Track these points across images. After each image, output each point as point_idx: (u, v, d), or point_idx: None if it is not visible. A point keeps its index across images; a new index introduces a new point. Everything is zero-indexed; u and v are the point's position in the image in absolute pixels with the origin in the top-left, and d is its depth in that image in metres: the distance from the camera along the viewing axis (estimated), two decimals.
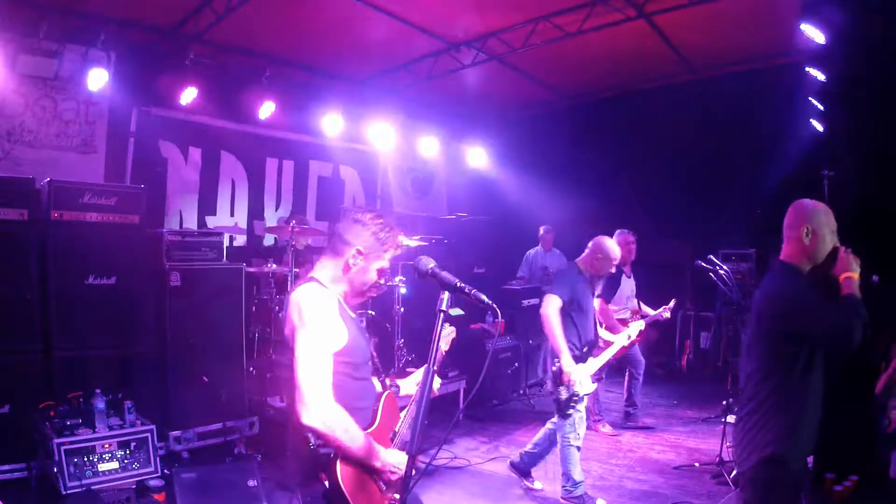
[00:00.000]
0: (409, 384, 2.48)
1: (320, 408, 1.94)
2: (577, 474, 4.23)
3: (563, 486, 4.28)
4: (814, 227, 2.44)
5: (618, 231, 5.67)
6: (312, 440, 2.02)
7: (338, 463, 1.97)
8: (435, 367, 1.86)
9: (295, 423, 2.06)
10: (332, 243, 2.21)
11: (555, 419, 4.29)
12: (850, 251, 2.45)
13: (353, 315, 2.23)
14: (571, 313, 4.21)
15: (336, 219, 8.34)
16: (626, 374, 5.99)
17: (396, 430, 2.23)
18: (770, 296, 2.44)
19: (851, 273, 2.37)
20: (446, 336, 2.53)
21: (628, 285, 5.90)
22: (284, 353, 2.15)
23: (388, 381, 2.38)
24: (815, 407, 2.40)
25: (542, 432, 4.45)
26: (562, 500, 4.28)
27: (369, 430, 2.10)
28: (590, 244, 4.44)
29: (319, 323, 2.02)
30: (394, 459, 2.08)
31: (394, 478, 2.07)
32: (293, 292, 2.12)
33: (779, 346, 2.36)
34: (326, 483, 1.99)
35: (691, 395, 7.06)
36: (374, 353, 2.31)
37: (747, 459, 2.40)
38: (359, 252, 2.14)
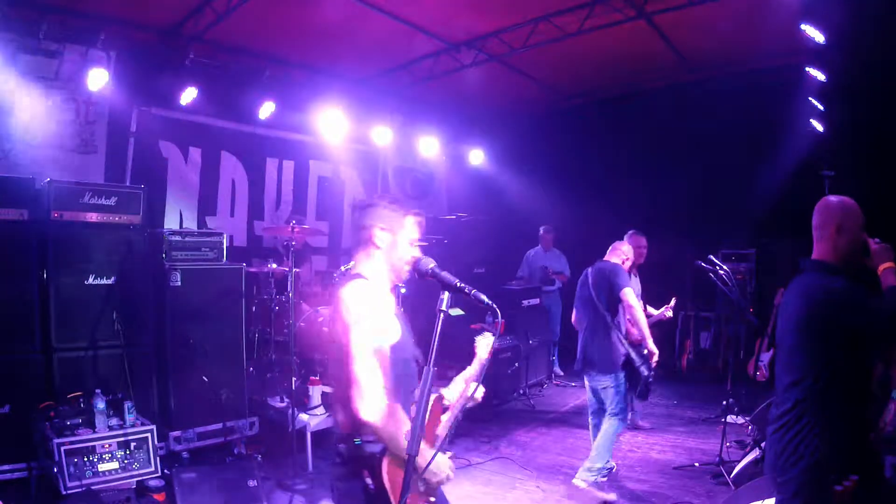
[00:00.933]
0: (452, 391, 2.49)
1: (374, 403, 1.95)
2: (609, 462, 4.39)
3: (590, 469, 4.33)
4: (844, 223, 2.42)
5: (631, 232, 5.57)
6: (360, 436, 2.03)
7: (384, 461, 1.99)
8: (433, 367, 1.84)
9: (343, 419, 2.07)
10: (356, 236, 2.26)
11: (613, 422, 4.40)
12: (879, 241, 2.43)
13: (399, 309, 2.26)
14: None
15: (338, 218, 8.36)
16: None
17: (437, 432, 2.26)
18: (818, 298, 2.35)
19: (890, 263, 2.35)
20: (486, 345, 2.58)
21: (636, 286, 5.89)
22: (332, 351, 2.15)
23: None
24: (860, 413, 2.36)
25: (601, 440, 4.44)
26: (582, 484, 4.32)
27: None
28: (622, 248, 4.81)
29: (374, 318, 2.05)
30: (438, 461, 2.09)
31: (435, 480, 2.09)
32: (343, 289, 2.14)
33: (827, 351, 2.30)
34: (369, 480, 2.00)
35: (691, 395, 7.05)
36: (419, 354, 2.32)
37: (791, 468, 2.34)
38: (381, 229, 2.21)
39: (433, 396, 2.29)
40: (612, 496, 4.33)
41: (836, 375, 2.30)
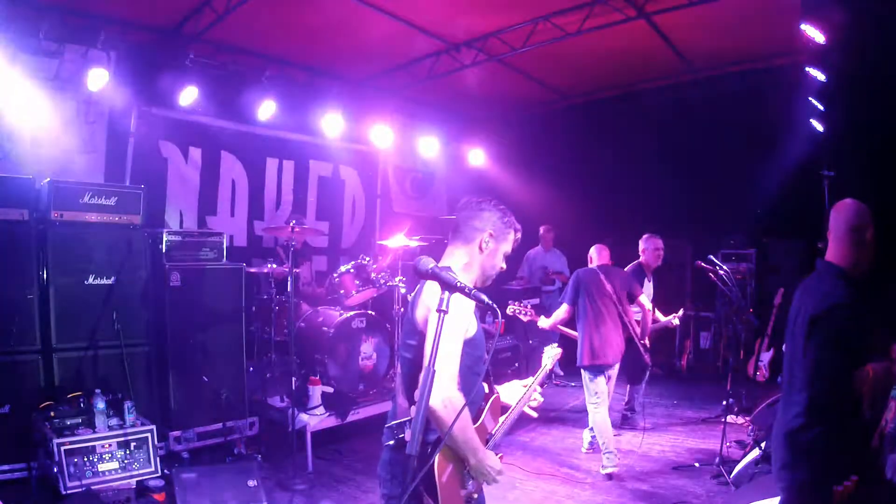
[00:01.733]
0: (508, 393, 2.52)
1: (444, 390, 1.97)
2: None
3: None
4: (872, 230, 2.40)
5: (647, 235, 5.86)
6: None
7: (437, 452, 2.00)
8: (433, 369, 1.84)
9: (402, 402, 2.14)
10: (460, 232, 2.34)
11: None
12: None
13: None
14: None
15: (338, 218, 8.35)
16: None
17: (493, 432, 2.29)
18: (823, 304, 2.32)
19: None
20: (552, 356, 2.72)
21: (649, 289, 5.92)
22: (405, 334, 2.22)
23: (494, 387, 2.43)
24: (860, 414, 2.34)
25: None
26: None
27: (473, 426, 2.15)
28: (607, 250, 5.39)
29: (456, 310, 2.06)
30: (491, 461, 2.11)
31: (482, 480, 2.12)
32: (430, 280, 2.16)
33: (827, 354, 2.30)
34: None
35: (691, 395, 7.06)
36: (488, 357, 2.34)
37: (796, 469, 2.34)
38: (490, 235, 2.31)
39: (495, 395, 2.34)
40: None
41: (837, 378, 2.29)
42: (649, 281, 5.88)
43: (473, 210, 2.35)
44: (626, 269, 5.67)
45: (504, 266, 2.39)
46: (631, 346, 5.16)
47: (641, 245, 5.82)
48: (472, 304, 2.19)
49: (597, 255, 5.34)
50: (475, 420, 2.20)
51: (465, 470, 2.11)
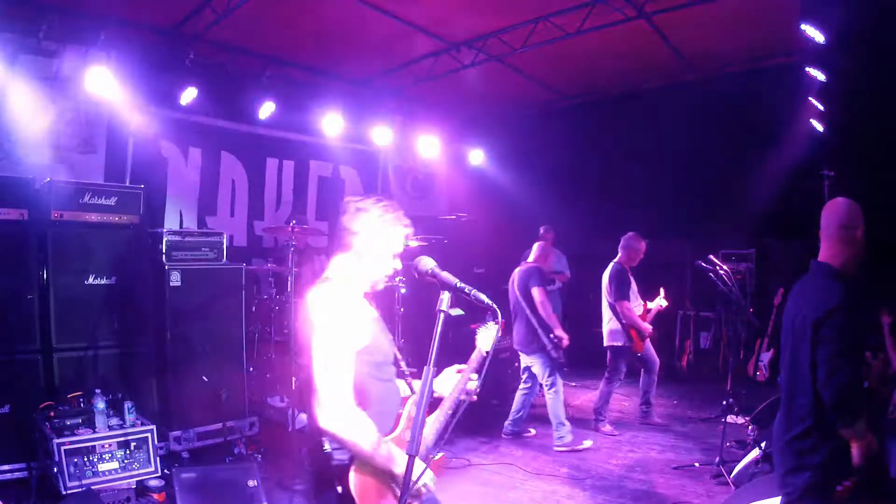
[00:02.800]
0: (442, 384, 2.34)
1: (338, 410, 1.88)
2: (564, 418, 5.35)
3: (560, 436, 5.26)
4: (863, 229, 2.42)
5: (633, 234, 5.91)
6: (328, 444, 1.95)
7: (351, 471, 1.91)
8: (433, 368, 1.83)
9: (312, 426, 2.00)
10: (340, 239, 2.15)
11: (549, 392, 5.40)
12: None
13: (376, 313, 2.17)
14: None
15: (337, 217, 8.35)
16: (641, 372, 6.01)
17: (423, 434, 2.14)
18: (817, 305, 2.33)
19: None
20: (488, 337, 2.39)
21: (633, 286, 5.94)
22: (303, 356, 2.05)
23: (415, 385, 2.27)
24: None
25: (518, 399, 5.71)
26: (563, 448, 5.22)
27: (392, 436, 2.03)
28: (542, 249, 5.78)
29: (338, 322, 1.96)
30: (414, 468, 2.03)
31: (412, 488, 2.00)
32: (309, 293, 2.06)
33: (850, 359, 2.30)
34: (339, 489, 1.94)
35: (691, 395, 7.05)
36: (399, 355, 2.22)
37: (799, 471, 2.34)
38: (370, 238, 2.11)
39: (413, 396, 2.17)
40: (588, 442, 5.36)
41: (848, 381, 2.27)
42: (631, 276, 5.90)
43: (350, 214, 2.13)
44: (608, 270, 5.84)
45: (398, 266, 2.17)
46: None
47: (622, 243, 5.90)
48: (362, 311, 2.07)
49: (535, 253, 5.76)
50: (393, 428, 2.06)
51: (392, 482, 1.97)
